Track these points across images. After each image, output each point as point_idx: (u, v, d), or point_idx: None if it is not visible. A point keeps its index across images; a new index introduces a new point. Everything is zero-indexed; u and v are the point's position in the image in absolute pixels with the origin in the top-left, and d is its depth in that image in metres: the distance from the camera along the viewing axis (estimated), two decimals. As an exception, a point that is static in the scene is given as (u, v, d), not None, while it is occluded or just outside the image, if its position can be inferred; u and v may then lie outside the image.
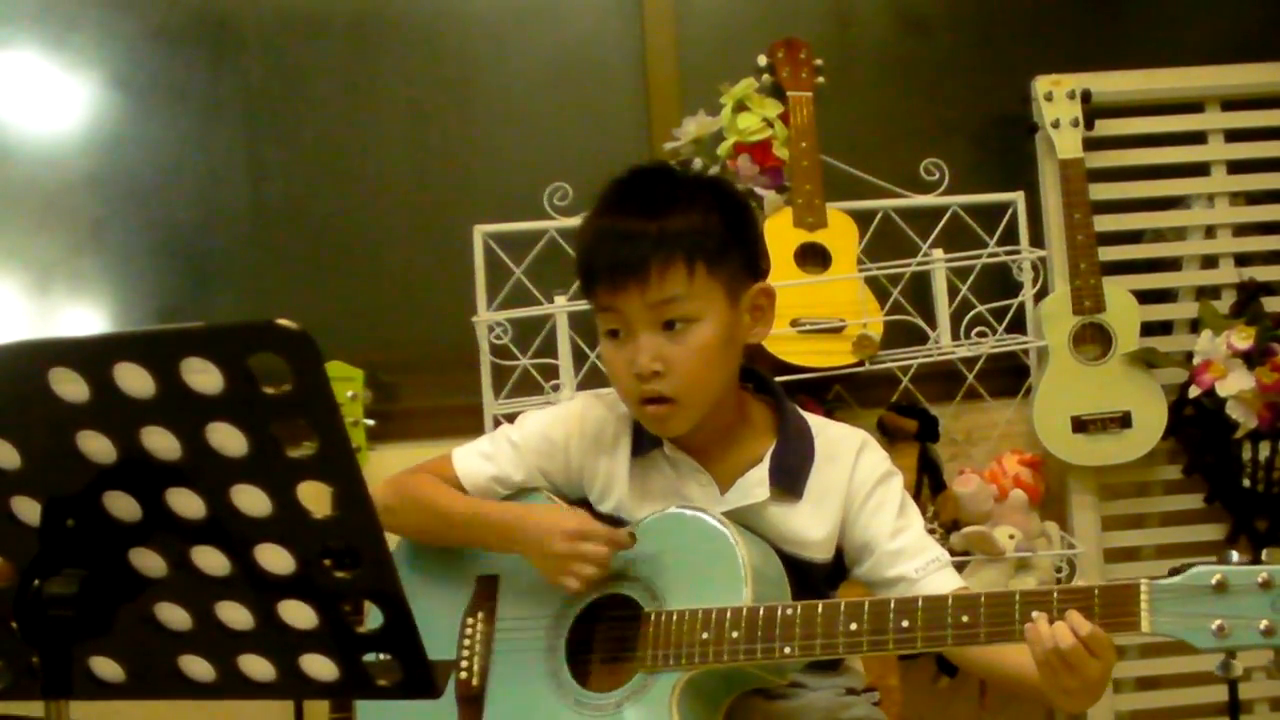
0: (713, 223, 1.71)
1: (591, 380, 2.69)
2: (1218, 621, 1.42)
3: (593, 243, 1.74)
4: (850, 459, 1.78)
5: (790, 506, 1.76)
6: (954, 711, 2.92)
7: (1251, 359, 2.82)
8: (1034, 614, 1.50)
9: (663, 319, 1.69)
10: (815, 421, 1.84)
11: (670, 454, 1.79)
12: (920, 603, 1.58)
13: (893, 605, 1.58)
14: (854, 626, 1.59)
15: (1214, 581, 1.43)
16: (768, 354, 2.66)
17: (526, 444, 1.85)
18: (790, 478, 1.76)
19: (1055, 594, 1.51)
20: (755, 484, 1.75)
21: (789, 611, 1.62)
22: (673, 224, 1.69)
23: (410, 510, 1.84)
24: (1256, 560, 1.44)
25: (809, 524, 1.76)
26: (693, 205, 1.72)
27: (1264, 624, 1.41)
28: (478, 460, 1.87)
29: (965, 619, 1.54)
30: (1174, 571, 1.46)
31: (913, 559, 1.73)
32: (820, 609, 1.61)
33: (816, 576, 1.77)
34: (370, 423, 2.62)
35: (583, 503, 1.84)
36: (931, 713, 2.92)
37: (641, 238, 1.68)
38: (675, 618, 1.66)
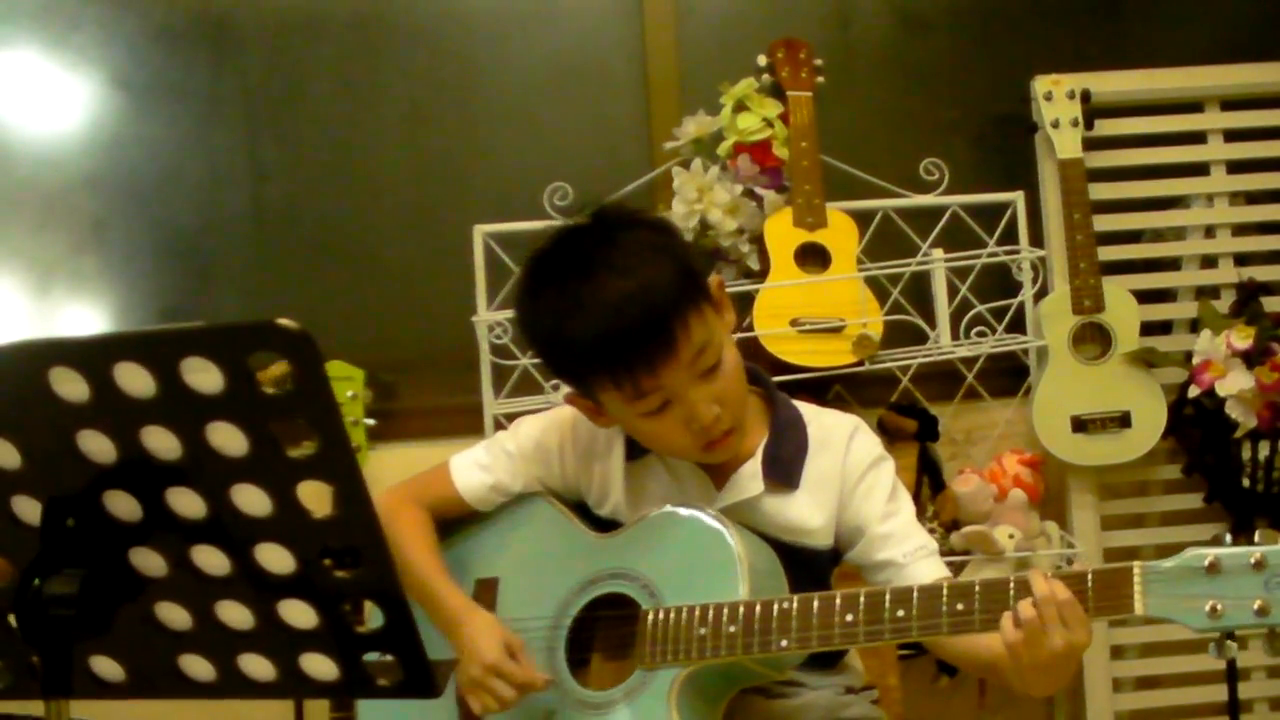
0: (673, 251, 1.69)
1: (591, 380, 2.69)
2: (1211, 602, 1.42)
3: (593, 335, 1.63)
4: (843, 445, 1.79)
5: (787, 497, 1.76)
6: (954, 711, 2.92)
7: (1251, 359, 2.82)
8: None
9: (701, 370, 1.66)
10: (808, 410, 1.84)
11: (665, 455, 1.79)
12: (916, 592, 1.58)
13: (888, 596, 1.59)
14: (850, 618, 1.59)
15: (1206, 563, 1.42)
16: (767, 353, 2.67)
17: (522, 452, 1.86)
18: (783, 469, 1.76)
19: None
20: (749, 478, 1.76)
21: (785, 605, 1.62)
22: (656, 276, 1.63)
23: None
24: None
25: (807, 512, 1.76)
26: (647, 246, 1.67)
27: (1258, 604, 1.40)
28: (475, 471, 1.87)
29: (960, 607, 1.54)
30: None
31: (900, 544, 1.74)
32: (816, 601, 1.61)
33: (821, 564, 1.78)
34: (370, 423, 2.62)
35: (580, 506, 1.85)
36: (931, 712, 2.92)
37: (642, 306, 1.61)
38: (673, 614, 1.67)
